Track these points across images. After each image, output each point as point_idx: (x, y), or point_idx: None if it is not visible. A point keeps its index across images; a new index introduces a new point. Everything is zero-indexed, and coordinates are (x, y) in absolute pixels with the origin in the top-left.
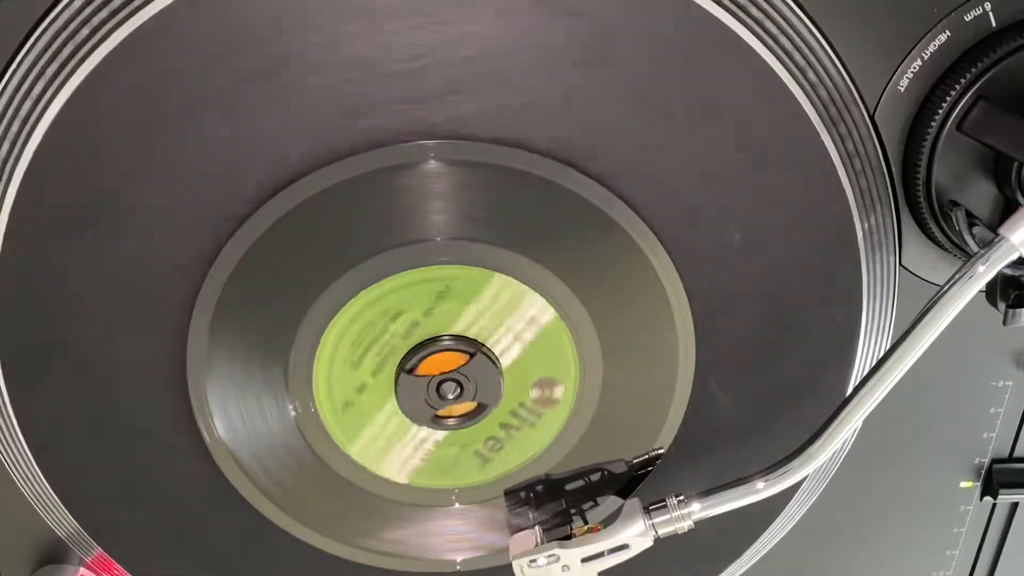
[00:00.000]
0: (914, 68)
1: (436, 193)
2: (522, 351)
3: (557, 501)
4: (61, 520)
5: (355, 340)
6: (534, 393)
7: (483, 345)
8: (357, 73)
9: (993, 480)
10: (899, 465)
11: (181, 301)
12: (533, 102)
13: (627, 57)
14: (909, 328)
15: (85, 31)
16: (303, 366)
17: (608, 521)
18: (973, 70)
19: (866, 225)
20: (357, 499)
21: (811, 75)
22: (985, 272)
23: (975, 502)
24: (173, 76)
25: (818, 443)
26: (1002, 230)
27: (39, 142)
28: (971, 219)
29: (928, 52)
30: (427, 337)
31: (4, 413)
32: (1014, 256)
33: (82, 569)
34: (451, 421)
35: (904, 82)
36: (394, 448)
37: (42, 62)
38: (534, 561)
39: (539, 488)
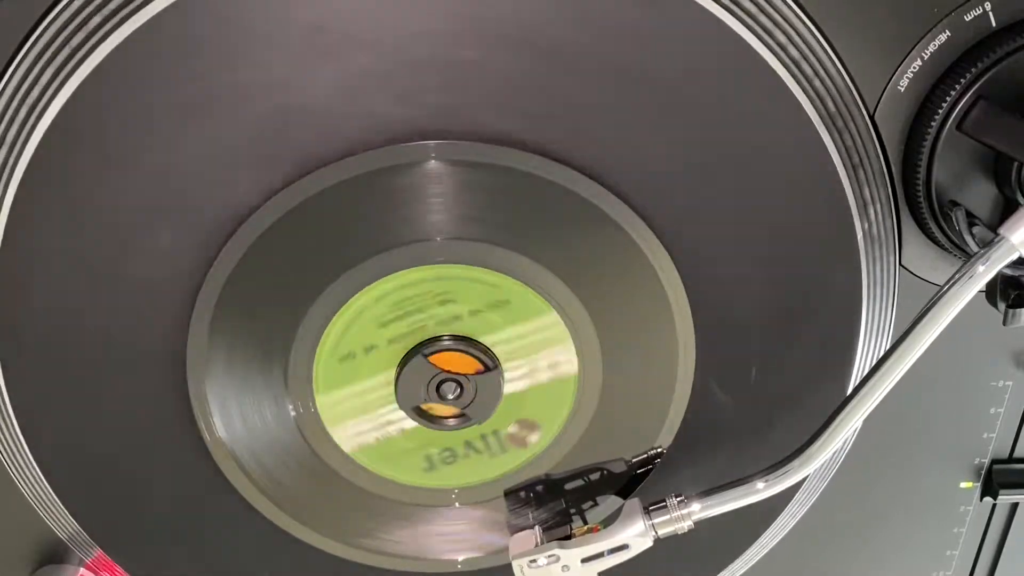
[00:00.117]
0: (914, 68)
1: (436, 193)
2: (528, 387)
3: (557, 501)
4: (61, 521)
5: (398, 304)
6: (512, 428)
7: (501, 365)
8: (358, 72)
9: (993, 480)
10: (899, 465)
11: (181, 301)
12: (534, 102)
13: (627, 57)
14: (909, 328)
15: (81, 35)
16: (303, 366)
17: (608, 521)
18: (973, 70)
19: (866, 225)
20: (357, 499)
21: (811, 75)
22: (985, 272)
23: (975, 502)
24: (171, 77)
25: (818, 443)
26: (1002, 230)
27: (37, 144)
28: (971, 219)
29: (928, 52)
30: (460, 334)
31: (4, 413)
32: (1014, 256)
33: (82, 569)
34: (428, 417)
35: (904, 82)
36: (358, 418)
37: (41, 64)
38: (534, 561)
39: (539, 488)
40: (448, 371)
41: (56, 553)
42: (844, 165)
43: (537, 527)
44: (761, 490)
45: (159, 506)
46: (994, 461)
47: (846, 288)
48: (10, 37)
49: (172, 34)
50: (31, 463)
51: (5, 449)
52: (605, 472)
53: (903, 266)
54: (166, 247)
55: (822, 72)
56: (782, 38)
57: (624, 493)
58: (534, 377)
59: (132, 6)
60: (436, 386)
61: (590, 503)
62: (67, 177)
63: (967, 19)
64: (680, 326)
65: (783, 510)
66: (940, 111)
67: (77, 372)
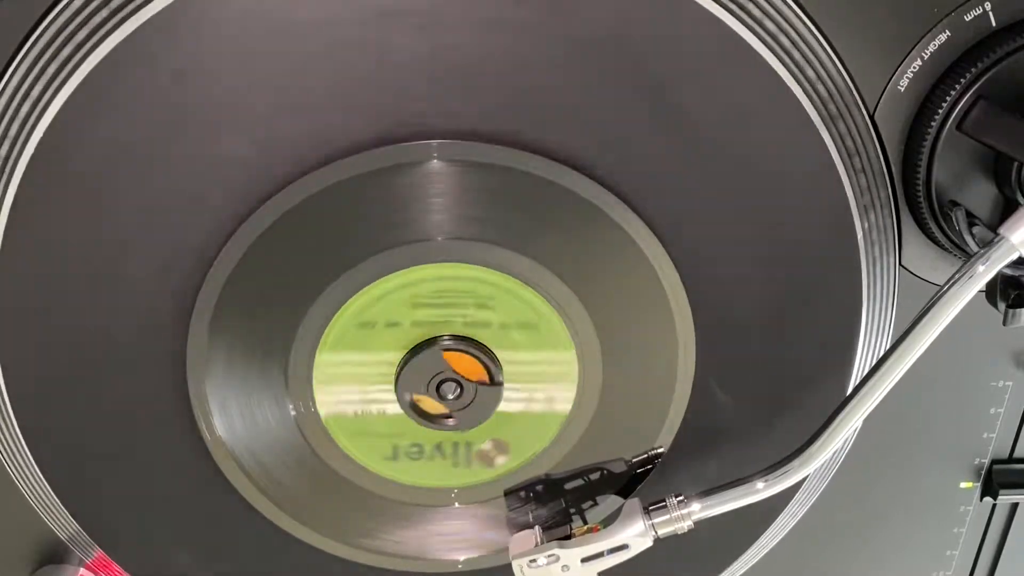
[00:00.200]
0: (914, 68)
1: (437, 192)
2: (518, 411)
3: (557, 501)
4: (61, 521)
5: (439, 292)
6: (486, 445)
7: (504, 385)
8: (359, 72)
9: (993, 480)
10: (899, 465)
11: (181, 301)
12: (535, 103)
13: (627, 57)
14: (909, 328)
15: (82, 34)
16: (303, 366)
17: (608, 521)
18: (973, 70)
19: (866, 225)
20: (357, 499)
21: (811, 74)
22: (985, 272)
23: (975, 502)
24: (172, 76)
25: (818, 443)
26: (1002, 230)
27: (38, 143)
28: (971, 219)
29: (928, 52)
30: (482, 342)
31: (4, 413)
32: (1014, 256)
33: (82, 570)
34: (415, 409)
35: (904, 82)
36: (347, 386)
37: (41, 63)
38: (534, 561)
39: (539, 488)
40: (456, 371)
41: (56, 553)
42: (844, 165)
43: (537, 527)
44: (761, 490)
45: (159, 506)
46: (994, 461)
47: (846, 288)
48: (10, 37)
49: (172, 32)
50: (31, 463)
51: (5, 449)
52: (605, 472)
53: (903, 266)
54: (166, 247)
55: (822, 72)
56: (782, 38)
57: (624, 493)
58: (528, 404)
59: (133, 5)
60: (439, 382)
61: (590, 503)
62: (67, 176)
63: (967, 19)
64: (680, 326)
65: (783, 510)
66: (940, 111)
67: (77, 372)
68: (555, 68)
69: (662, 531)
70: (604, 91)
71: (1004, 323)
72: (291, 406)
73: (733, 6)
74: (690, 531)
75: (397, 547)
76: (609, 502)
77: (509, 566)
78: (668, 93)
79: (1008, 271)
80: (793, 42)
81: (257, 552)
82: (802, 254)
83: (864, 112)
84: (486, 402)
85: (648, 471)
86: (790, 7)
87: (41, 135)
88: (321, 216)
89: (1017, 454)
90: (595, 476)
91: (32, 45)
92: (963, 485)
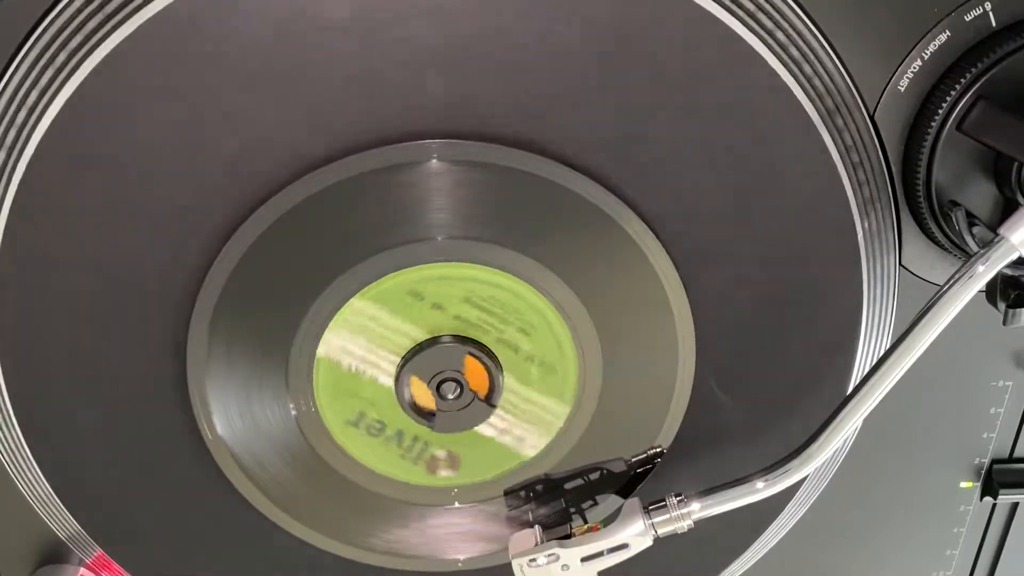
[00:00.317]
0: (914, 68)
1: (437, 192)
2: (486, 436)
3: (557, 500)
4: (61, 520)
5: (492, 299)
6: (440, 453)
7: (496, 408)
8: (359, 72)
9: (993, 480)
10: (899, 465)
11: (181, 301)
12: (535, 103)
13: (627, 57)
14: (909, 328)
15: (81, 35)
16: (303, 366)
17: (608, 520)
18: (973, 70)
19: (866, 225)
20: (357, 498)
21: (811, 75)
22: (985, 272)
23: (975, 502)
24: (169, 78)
25: (818, 443)
26: (1002, 230)
27: (37, 144)
28: (971, 219)
29: (928, 52)
30: (503, 363)
31: (4, 413)
32: (1014, 256)
33: (82, 569)
34: (406, 392)
35: (904, 82)
36: (362, 339)
37: (37, 69)
38: (534, 560)
39: (539, 487)
40: (466, 378)
41: (56, 553)
42: (844, 165)
43: (537, 526)
44: (761, 490)
45: (159, 506)
46: (994, 461)
47: (846, 288)
48: (10, 37)
49: (171, 34)
50: (31, 463)
51: (5, 449)
52: (605, 472)
53: (903, 266)
54: (166, 246)
55: (822, 72)
56: (782, 38)
57: (624, 493)
58: (500, 435)
59: (132, 6)
60: (446, 379)
61: (590, 502)
62: (67, 177)
63: (967, 19)
64: (680, 326)
65: (783, 510)
66: (940, 111)
67: (77, 372)
68: (555, 68)
69: (662, 530)
70: (604, 91)
71: (1004, 323)
72: (291, 406)
73: (733, 6)
74: (690, 531)
75: (397, 546)
76: (609, 502)
77: (509, 565)
78: (668, 93)
79: (1008, 271)
80: (793, 42)
81: (257, 551)
82: (802, 254)
83: (864, 112)
84: (473, 416)
85: (648, 471)
86: (790, 7)
87: (38, 141)
88: (319, 216)
89: (1017, 454)
90: (595, 476)
91: (27, 52)
92: (963, 485)
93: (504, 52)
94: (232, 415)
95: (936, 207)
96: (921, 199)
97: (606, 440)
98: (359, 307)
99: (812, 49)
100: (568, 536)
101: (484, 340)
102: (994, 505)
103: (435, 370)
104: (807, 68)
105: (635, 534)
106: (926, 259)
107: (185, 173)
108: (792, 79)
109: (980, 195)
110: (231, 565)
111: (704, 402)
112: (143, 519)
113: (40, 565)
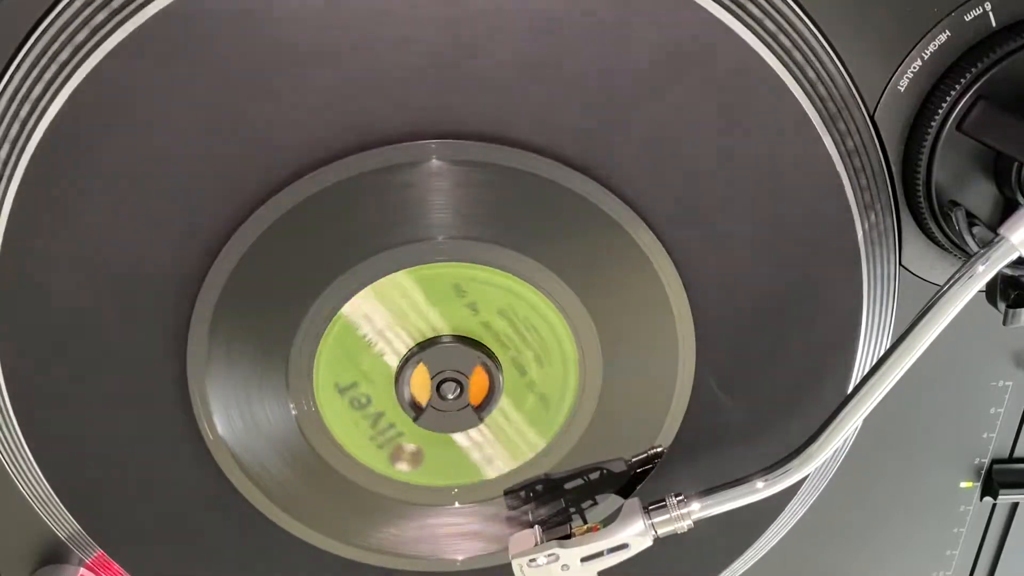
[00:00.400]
0: (914, 68)
1: (437, 192)
2: (458, 445)
3: (557, 500)
4: (61, 520)
5: (527, 317)
6: (409, 446)
7: (484, 422)
8: (360, 72)
9: (993, 480)
10: (899, 465)
11: (181, 301)
12: (536, 103)
13: (627, 57)
14: (909, 328)
15: (82, 34)
16: (303, 366)
17: (608, 521)
18: (973, 70)
19: (866, 225)
20: (357, 498)
21: (811, 75)
22: (985, 272)
23: (975, 502)
24: (171, 77)
25: (818, 443)
26: (1002, 230)
27: (38, 143)
28: (971, 219)
29: (928, 52)
30: (508, 381)
31: (4, 413)
32: (1014, 256)
33: (82, 569)
34: (407, 375)
35: (904, 82)
36: (388, 310)
37: (41, 64)
38: (533, 560)
39: (539, 487)
40: (463, 377)
41: (56, 553)
42: (845, 165)
43: (537, 526)
44: (761, 489)
45: (159, 506)
46: (994, 461)
47: (846, 288)
48: (10, 39)
49: (172, 33)
50: (31, 463)
51: (5, 449)
52: (605, 472)
53: (903, 266)
54: (166, 246)
55: (823, 73)
56: (782, 38)
57: (624, 493)
58: (471, 448)
59: (133, 5)
60: (451, 378)
61: (590, 502)
62: (68, 177)
63: (967, 19)
64: (680, 326)
65: (783, 510)
66: (940, 111)
67: (77, 372)
68: (555, 68)
69: (662, 530)
70: (605, 92)
71: (1004, 323)
72: (291, 406)
73: (733, 6)
74: (690, 531)
75: (397, 546)
76: (609, 502)
77: (508, 565)
78: (668, 93)
79: (1008, 271)
80: (793, 42)
81: (257, 551)
82: (802, 254)
83: (864, 112)
84: (458, 422)
85: (648, 471)
86: (790, 7)
87: (41, 136)
88: (319, 216)
89: (1017, 454)
90: (595, 476)
91: (32, 47)
92: (963, 485)
93: (504, 52)
94: (232, 415)
95: (936, 207)
96: (921, 199)
97: (606, 440)
98: (400, 281)
99: (812, 49)
100: (568, 536)
101: (500, 355)
102: (994, 505)
103: (444, 366)
104: (811, 73)
105: (635, 534)
106: (926, 259)
107: (186, 172)
108: (792, 79)
109: (980, 195)
110: (231, 565)
111: (704, 402)
112: (143, 519)
113: (40, 565)
